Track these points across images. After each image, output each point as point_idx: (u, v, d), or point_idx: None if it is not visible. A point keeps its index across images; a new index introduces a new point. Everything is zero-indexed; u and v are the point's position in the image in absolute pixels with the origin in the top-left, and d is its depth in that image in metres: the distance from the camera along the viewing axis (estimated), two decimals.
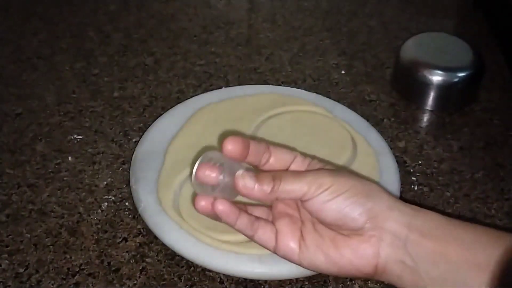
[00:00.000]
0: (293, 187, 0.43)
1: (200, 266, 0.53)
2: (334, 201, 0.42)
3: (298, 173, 0.44)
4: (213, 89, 0.73)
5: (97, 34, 0.83)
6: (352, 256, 0.43)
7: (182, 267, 0.53)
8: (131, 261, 0.54)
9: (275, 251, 0.46)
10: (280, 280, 0.52)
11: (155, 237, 0.55)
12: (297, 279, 0.52)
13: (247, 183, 0.43)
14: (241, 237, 0.52)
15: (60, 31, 0.83)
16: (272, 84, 0.74)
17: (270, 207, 0.47)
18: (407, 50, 0.72)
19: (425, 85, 0.69)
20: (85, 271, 0.53)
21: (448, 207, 0.60)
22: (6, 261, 0.53)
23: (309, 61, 0.79)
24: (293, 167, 0.46)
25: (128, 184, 0.60)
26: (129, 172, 0.60)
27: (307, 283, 0.52)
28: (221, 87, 0.73)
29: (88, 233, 0.56)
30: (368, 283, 0.53)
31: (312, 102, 0.68)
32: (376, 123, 0.69)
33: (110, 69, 0.77)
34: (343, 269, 0.44)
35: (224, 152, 0.44)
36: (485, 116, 0.71)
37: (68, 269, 0.53)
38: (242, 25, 0.86)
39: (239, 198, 0.45)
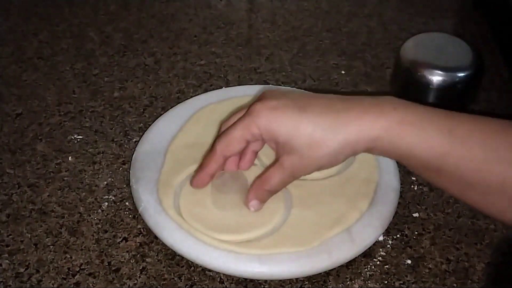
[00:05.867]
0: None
1: (200, 266, 0.53)
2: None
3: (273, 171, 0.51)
4: (213, 89, 0.73)
5: (98, 34, 0.83)
6: None
7: (182, 267, 0.54)
8: (131, 261, 0.54)
9: None
10: (280, 280, 0.52)
11: (155, 237, 0.55)
12: (297, 279, 0.52)
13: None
14: (241, 237, 0.53)
15: (60, 32, 0.83)
16: (272, 84, 0.74)
17: None
18: (407, 50, 0.72)
19: (425, 85, 0.69)
20: (85, 271, 0.53)
21: (448, 207, 0.60)
22: (7, 261, 0.53)
23: (309, 61, 0.79)
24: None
25: (128, 184, 0.60)
26: (129, 172, 0.60)
27: (307, 283, 0.52)
28: (221, 87, 0.73)
29: (88, 233, 0.56)
30: (368, 283, 0.53)
31: None
32: None
33: (110, 69, 0.77)
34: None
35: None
36: None
37: (69, 269, 0.53)
38: (242, 25, 0.86)
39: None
